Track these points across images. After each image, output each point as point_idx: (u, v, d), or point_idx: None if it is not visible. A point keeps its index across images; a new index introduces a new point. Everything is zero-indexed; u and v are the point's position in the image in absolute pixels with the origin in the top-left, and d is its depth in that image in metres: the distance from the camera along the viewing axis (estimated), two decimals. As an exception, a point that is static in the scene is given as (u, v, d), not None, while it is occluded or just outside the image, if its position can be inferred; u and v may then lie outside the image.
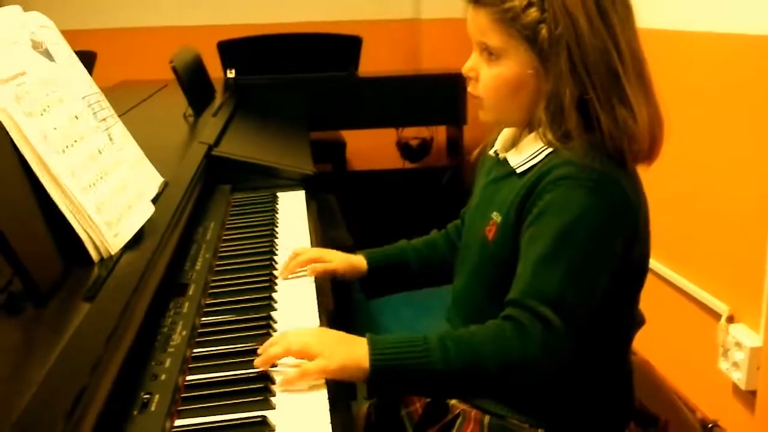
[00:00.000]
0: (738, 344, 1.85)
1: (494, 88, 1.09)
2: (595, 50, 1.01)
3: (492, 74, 1.08)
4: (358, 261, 1.35)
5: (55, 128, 1.07)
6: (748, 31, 1.81)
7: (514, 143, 1.15)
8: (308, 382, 0.97)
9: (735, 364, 1.86)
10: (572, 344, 0.98)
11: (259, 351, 1.00)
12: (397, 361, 0.98)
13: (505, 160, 1.13)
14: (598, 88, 1.01)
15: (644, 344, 2.08)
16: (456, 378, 1.00)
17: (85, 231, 1.05)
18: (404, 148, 3.84)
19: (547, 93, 1.04)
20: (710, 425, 1.55)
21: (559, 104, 1.03)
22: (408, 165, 3.92)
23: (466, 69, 1.12)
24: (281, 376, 0.97)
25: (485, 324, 1.02)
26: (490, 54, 1.08)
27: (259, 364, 0.98)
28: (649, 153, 1.07)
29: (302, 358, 0.98)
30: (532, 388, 1.04)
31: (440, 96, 3.28)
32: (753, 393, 1.83)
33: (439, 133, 3.85)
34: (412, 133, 3.83)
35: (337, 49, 3.47)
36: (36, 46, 1.17)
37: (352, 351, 0.98)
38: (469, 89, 1.14)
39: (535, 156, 1.07)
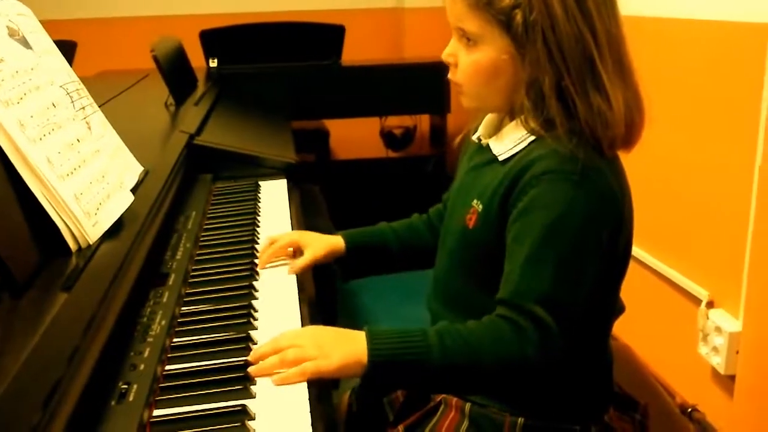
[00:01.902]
0: (718, 329, 1.87)
1: (472, 74, 1.09)
2: (570, 36, 1.00)
3: (470, 60, 1.08)
4: (336, 242, 1.34)
5: (31, 116, 1.06)
6: (732, 18, 1.82)
7: (496, 129, 1.14)
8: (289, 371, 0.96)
9: (714, 349, 1.88)
10: (567, 342, 0.98)
11: (250, 358, 0.99)
12: (396, 356, 0.97)
13: (488, 146, 1.13)
14: (573, 75, 1.01)
15: (625, 330, 2.10)
16: (453, 374, 0.99)
17: (62, 220, 1.04)
18: (388, 137, 3.84)
19: (526, 79, 1.04)
20: (690, 409, 1.57)
21: (539, 91, 1.03)
22: (392, 154, 3.92)
23: (445, 55, 1.12)
24: (279, 374, 0.96)
25: (481, 321, 1.02)
26: (468, 40, 1.07)
27: (254, 373, 0.96)
28: (627, 139, 1.06)
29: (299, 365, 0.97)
30: (527, 386, 1.05)
31: (424, 84, 3.28)
32: (732, 377, 1.85)
33: (422, 122, 3.85)
34: (396, 122, 3.83)
35: (320, 38, 3.45)
36: (12, 33, 1.15)
37: (350, 348, 0.97)
38: (449, 75, 1.13)
39: (518, 144, 1.07)
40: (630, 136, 1.07)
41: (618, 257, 1.08)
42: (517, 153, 1.07)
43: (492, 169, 1.10)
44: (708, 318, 1.91)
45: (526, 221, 1.01)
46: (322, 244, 1.33)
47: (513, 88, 1.07)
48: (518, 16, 1.01)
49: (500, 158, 1.09)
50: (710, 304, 1.94)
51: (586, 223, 1.00)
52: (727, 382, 1.88)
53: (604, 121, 1.02)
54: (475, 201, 1.11)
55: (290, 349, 0.97)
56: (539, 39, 1.01)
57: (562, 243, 0.99)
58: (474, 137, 1.20)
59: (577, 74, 1.01)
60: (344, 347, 0.97)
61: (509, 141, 1.09)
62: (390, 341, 0.98)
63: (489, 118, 1.18)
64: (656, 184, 2.16)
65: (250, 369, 0.96)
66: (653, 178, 2.17)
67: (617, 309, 1.16)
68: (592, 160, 1.02)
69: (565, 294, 0.99)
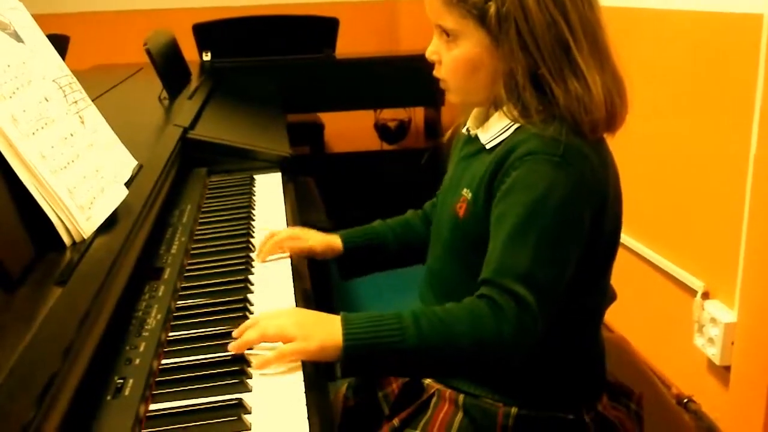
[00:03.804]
0: (713, 320, 1.87)
1: (455, 69, 1.10)
2: (542, 25, 1.01)
3: (451, 56, 1.09)
4: (334, 241, 1.35)
5: (24, 111, 1.06)
6: (726, 9, 1.82)
7: (484, 120, 1.15)
8: (286, 365, 0.97)
9: (710, 340, 1.88)
10: (546, 321, 0.99)
11: (234, 334, 1.00)
12: (371, 339, 0.97)
13: (476, 136, 1.14)
14: (548, 62, 1.02)
15: (620, 321, 2.11)
16: (430, 356, 0.99)
17: (56, 215, 1.04)
18: (382, 129, 3.84)
19: (504, 70, 1.05)
20: (685, 400, 1.58)
21: (514, 81, 1.04)
22: (386, 147, 3.92)
23: (429, 53, 1.13)
24: (258, 357, 0.97)
25: (460, 302, 1.02)
26: (448, 36, 1.09)
27: (233, 348, 0.98)
28: (609, 123, 1.07)
29: (278, 342, 0.98)
30: (505, 366, 1.05)
31: (418, 77, 3.20)
32: (727, 368, 1.85)
33: (416, 115, 3.84)
34: (390, 115, 3.82)
35: (314, 30, 3.44)
36: (4, 27, 1.15)
37: (328, 330, 0.98)
38: (434, 73, 1.15)
39: (504, 131, 1.08)
40: (612, 119, 1.07)
41: (604, 241, 1.09)
42: (502, 141, 1.08)
43: (480, 158, 1.11)
44: (703, 309, 1.91)
45: (508, 202, 1.02)
46: (320, 239, 1.34)
47: (493, 81, 1.08)
48: (491, 9, 1.03)
49: (487, 146, 1.10)
50: (705, 295, 1.94)
51: (567, 204, 1.01)
52: (722, 372, 1.88)
53: (584, 105, 1.03)
54: (464, 190, 1.12)
55: (270, 325, 0.98)
56: (512, 29, 1.02)
57: (542, 222, 1.00)
58: (463, 129, 1.21)
59: (552, 61, 1.02)
60: (324, 329, 0.98)
61: (495, 130, 1.10)
62: (363, 325, 0.98)
63: (477, 110, 1.19)
64: (651, 175, 2.16)
65: (230, 345, 0.98)
66: (648, 169, 2.17)
67: (608, 297, 1.17)
68: (574, 143, 1.03)
69: (545, 272, 1.00)
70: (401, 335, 0.98)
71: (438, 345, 0.99)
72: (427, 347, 0.98)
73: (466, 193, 1.11)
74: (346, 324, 0.98)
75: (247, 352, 0.99)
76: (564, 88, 1.03)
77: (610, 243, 1.11)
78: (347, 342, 0.97)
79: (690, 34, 1.98)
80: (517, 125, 1.07)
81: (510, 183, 1.03)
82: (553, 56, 1.02)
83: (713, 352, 1.88)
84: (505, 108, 1.07)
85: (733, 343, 1.82)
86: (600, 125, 1.06)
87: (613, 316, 1.18)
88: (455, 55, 1.09)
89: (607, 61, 1.07)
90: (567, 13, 1.02)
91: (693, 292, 1.97)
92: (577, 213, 1.02)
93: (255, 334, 0.98)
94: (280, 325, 0.98)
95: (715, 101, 1.89)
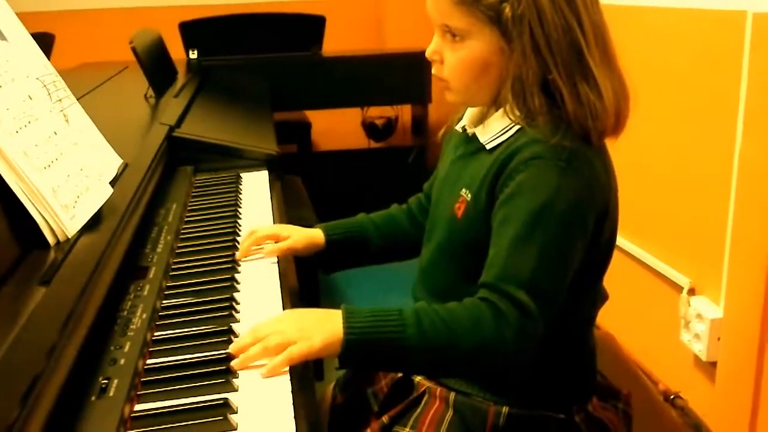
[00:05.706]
0: (699, 316, 1.88)
1: (460, 70, 1.08)
2: (557, 28, 1.00)
3: (457, 57, 1.07)
4: (316, 235, 1.32)
5: (7, 109, 1.05)
6: (710, 6, 1.82)
7: (481, 119, 1.14)
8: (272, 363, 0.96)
9: (696, 336, 1.89)
10: (545, 326, 0.98)
11: (231, 350, 0.98)
12: (371, 334, 0.97)
13: (474, 135, 1.12)
14: (560, 67, 1.01)
15: (607, 318, 2.10)
16: (428, 354, 0.99)
17: (40, 214, 1.03)
18: (369, 127, 3.84)
19: (512, 73, 1.03)
20: (672, 396, 1.58)
21: (523, 84, 1.02)
22: (373, 144, 3.92)
23: (429, 52, 1.10)
24: (267, 364, 0.95)
25: (462, 302, 1.01)
26: (454, 36, 1.06)
27: (237, 366, 0.95)
28: (615, 128, 1.07)
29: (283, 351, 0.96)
30: (504, 372, 1.04)
31: (405, 75, 3.27)
32: (713, 364, 1.86)
33: (404, 112, 3.84)
34: (377, 113, 3.83)
35: (301, 28, 3.44)
36: (-14, 26, 1.14)
37: (330, 327, 0.97)
38: (434, 72, 1.12)
39: (505, 132, 1.07)
40: (618, 124, 1.07)
41: (603, 246, 1.08)
42: (503, 141, 1.06)
43: (479, 158, 1.10)
44: (689, 305, 1.92)
45: (512, 206, 1.01)
46: (302, 235, 1.32)
47: (500, 82, 1.06)
48: (507, 10, 1.01)
49: (487, 147, 1.08)
50: (692, 291, 1.95)
51: (572, 210, 1.00)
52: (708, 368, 1.89)
53: (594, 112, 1.02)
54: (463, 190, 1.10)
55: (271, 335, 0.97)
56: (526, 32, 1.00)
57: (546, 229, 0.99)
58: (458, 127, 1.19)
59: (565, 66, 1.01)
60: (325, 327, 0.97)
61: (496, 130, 1.08)
62: (365, 319, 0.98)
63: (473, 108, 1.17)
64: (636, 171, 2.17)
65: (233, 363, 0.96)
66: (633, 166, 2.17)
67: (600, 298, 1.17)
68: (579, 149, 1.02)
69: (548, 279, 0.99)
70: (402, 331, 0.97)
71: (438, 344, 0.98)
72: (426, 345, 0.97)
73: (465, 194, 1.09)
74: (347, 316, 0.98)
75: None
76: (575, 94, 1.01)
77: (607, 248, 1.10)
78: (348, 335, 0.96)
79: (674, 31, 1.98)
80: (518, 126, 1.05)
81: (514, 187, 1.01)
82: (566, 61, 1.01)
83: (700, 348, 1.89)
84: (507, 107, 1.06)
85: (719, 339, 1.83)
86: (607, 131, 1.05)
87: (599, 312, 1.18)
88: (462, 55, 1.06)
89: (615, 65, 1.06)
90: (580, 17, 1.01)
91: (679, 288, 1.97)
92: (582, 220, 1.01)
93: (258, 350, 0.96)
94: (281, 332, 0.97)
95: (699, 98, 1.90)
